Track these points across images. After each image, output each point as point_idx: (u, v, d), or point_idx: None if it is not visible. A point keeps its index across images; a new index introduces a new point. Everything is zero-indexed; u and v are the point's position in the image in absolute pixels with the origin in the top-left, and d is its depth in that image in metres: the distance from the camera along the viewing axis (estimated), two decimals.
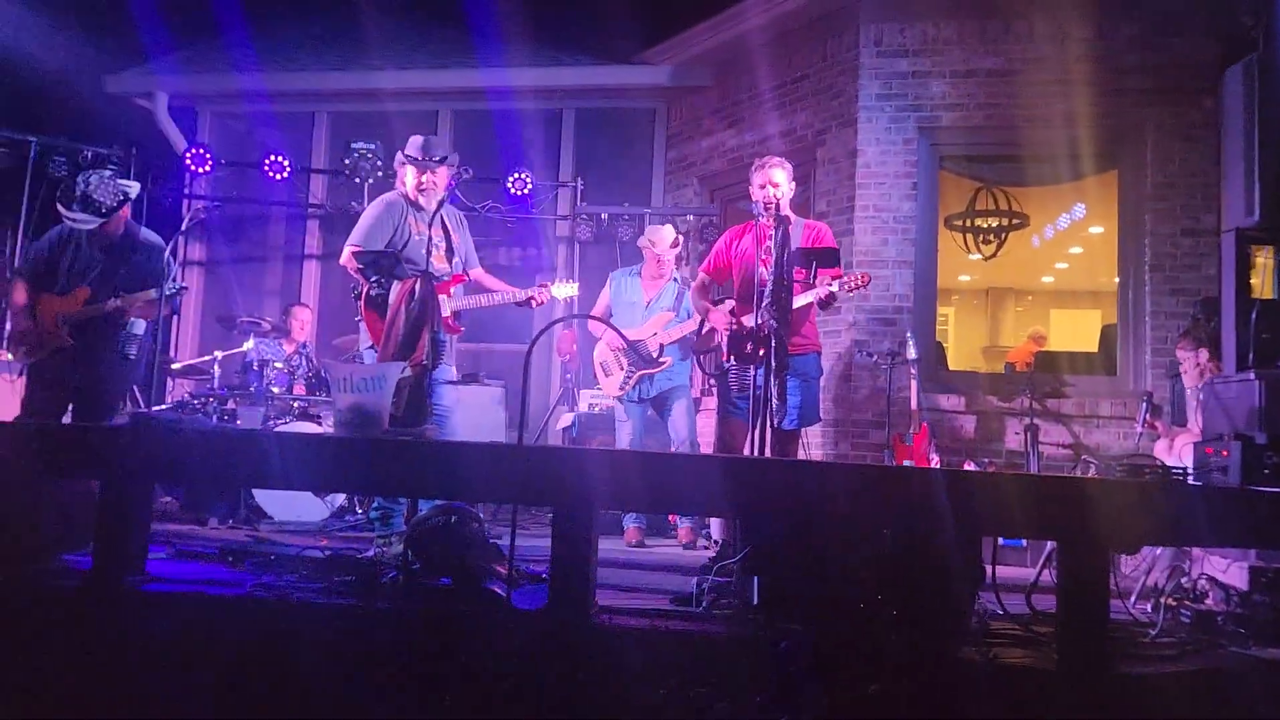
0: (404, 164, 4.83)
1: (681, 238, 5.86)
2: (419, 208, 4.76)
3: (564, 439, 6.81)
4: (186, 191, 8.36)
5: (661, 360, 5.54)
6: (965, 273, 11.25)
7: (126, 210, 4.99)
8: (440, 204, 4.66)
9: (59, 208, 4.89)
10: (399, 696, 2.92)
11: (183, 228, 5.94)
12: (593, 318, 5.66)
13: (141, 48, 8.59)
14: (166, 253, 5.03)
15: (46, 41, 8.08)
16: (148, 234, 5.13)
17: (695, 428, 5.73)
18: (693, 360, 5.39)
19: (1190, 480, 3.74)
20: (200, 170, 7.91)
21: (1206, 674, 2.96)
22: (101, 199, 4.81)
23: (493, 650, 2.93)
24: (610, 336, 5.54)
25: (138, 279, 4.95)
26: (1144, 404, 5.76)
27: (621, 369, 5.62)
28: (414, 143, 4.82)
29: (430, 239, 4.62)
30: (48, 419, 4.80)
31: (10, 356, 5.19)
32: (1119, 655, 2.96)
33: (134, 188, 5.00)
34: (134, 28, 8.20)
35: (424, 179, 4.77)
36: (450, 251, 4.82)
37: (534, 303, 4.87)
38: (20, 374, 5.18)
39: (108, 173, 4.92)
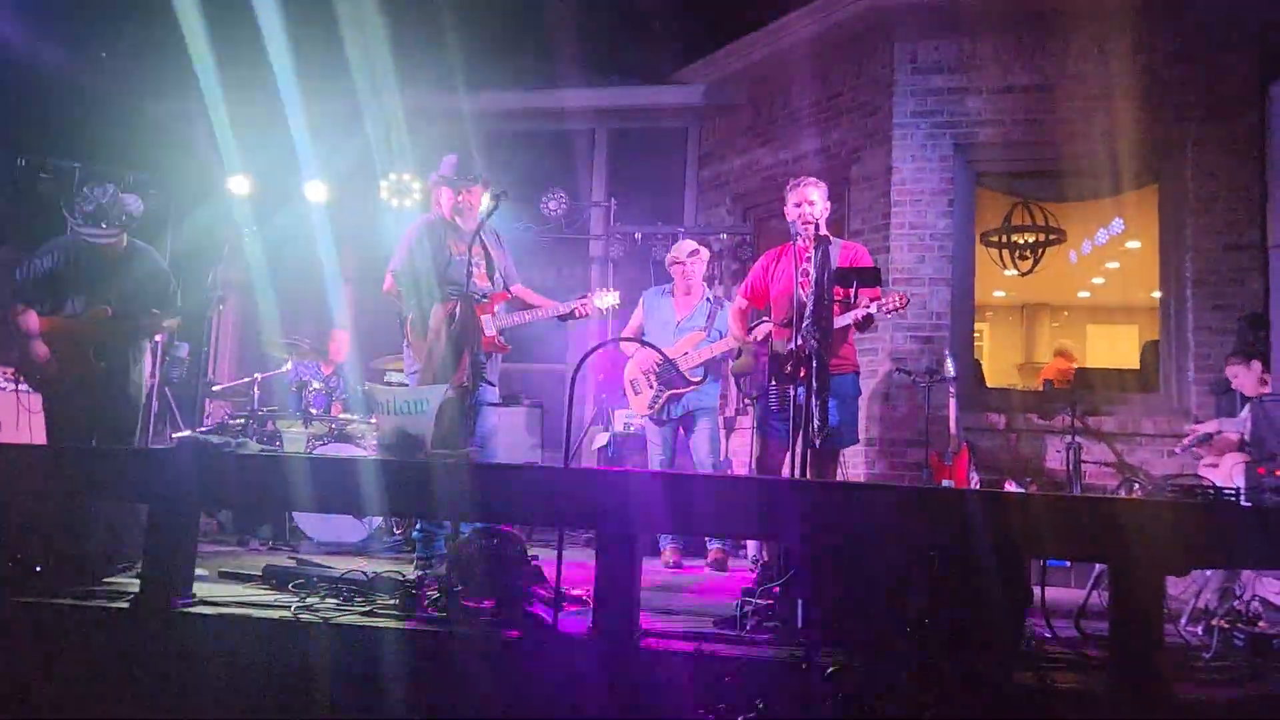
0: (440, 185, 4.83)
1: (704, 249, 5.84)
2: (456, 228, 4.76)
3: (599, 459, 6.80)
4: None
5: (694, 380, 5.50)
6: (1000, 288, 11.16)
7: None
8: (481, 224, 4.65)
9: (72, 225, 4.85)
10: None
11: (224, 252, 5.99)
12: (626, 339, 5.62)
13: (181, 72, 8.71)
14: (211, 277, 5.03)
15: (88, 65, 8.20)
16: (140, 244, 5.07)
17: (719, 449, 5.69)
18: (723, 381, 5.35)
19: (1242, 501, 3.68)
20: (241, 194, 8.03)
21: (1264, 700, 2.90)
22: (113, 214, 4.80)
23: (539, 674, 2.93)
24: (641, 356, 5.53)
25: (147, 290, 4.91)
26: (1194, 438, 5.62)
27: (651, 388, 5.57)
28: (448, 163, 4.82)
29: (471, 259, 4.64)
30: (76, 443, 4.73)
31: (25, 383, 5.01)
32: (1173, 680, 2.90)
33: (136, 203, 4.97)
34: (174, 52, 8.32)
35: (461, 199, 4.78)
36: (491, 269, 4.82)
37: (578, 313, 4.85)
38: (34, 392, 5.05)
39: (112, 187, 4.89)
